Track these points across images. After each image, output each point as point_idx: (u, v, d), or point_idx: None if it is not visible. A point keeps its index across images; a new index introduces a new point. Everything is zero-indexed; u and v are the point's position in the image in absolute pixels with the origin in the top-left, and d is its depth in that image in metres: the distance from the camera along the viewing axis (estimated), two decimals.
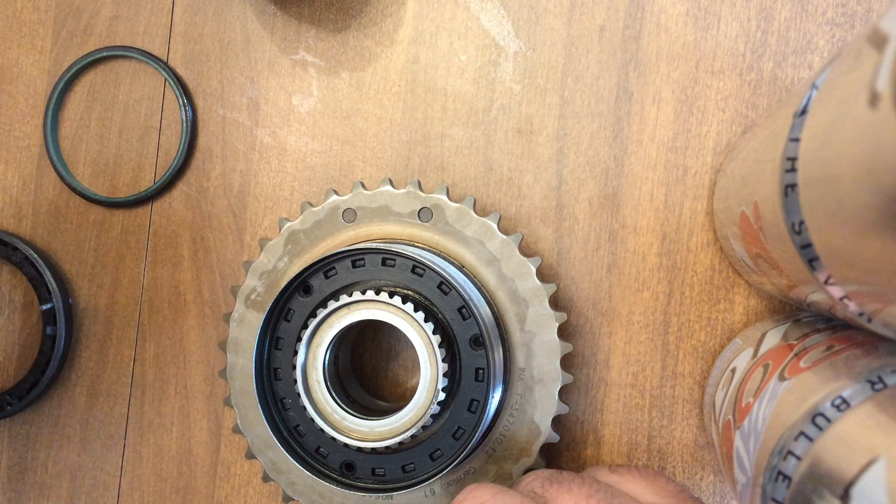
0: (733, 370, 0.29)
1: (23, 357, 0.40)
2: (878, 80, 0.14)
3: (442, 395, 0.28)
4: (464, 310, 0.29)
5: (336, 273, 0.30)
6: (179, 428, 0.38)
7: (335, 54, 0.37)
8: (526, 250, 0.34)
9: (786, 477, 0.20)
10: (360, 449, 0.29)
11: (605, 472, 0.25)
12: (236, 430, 0.33)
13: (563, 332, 0.32)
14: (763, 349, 0.28)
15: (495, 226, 0.31)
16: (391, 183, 0.32)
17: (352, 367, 0.36)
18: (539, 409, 0.30)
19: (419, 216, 0.31)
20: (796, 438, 0.20)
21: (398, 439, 0.28)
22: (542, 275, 0.32)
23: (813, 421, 0.20)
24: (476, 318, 0.28)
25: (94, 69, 0.39)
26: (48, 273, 0.38)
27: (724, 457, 0.27)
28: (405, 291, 0.30)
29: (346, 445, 0.29)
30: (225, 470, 0.37)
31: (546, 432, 0.30)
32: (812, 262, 0.21)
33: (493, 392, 0.29)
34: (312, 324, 0.29)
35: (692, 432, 0.34)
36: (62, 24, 0.39)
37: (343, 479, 0.30)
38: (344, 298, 0.29)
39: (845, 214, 0.17)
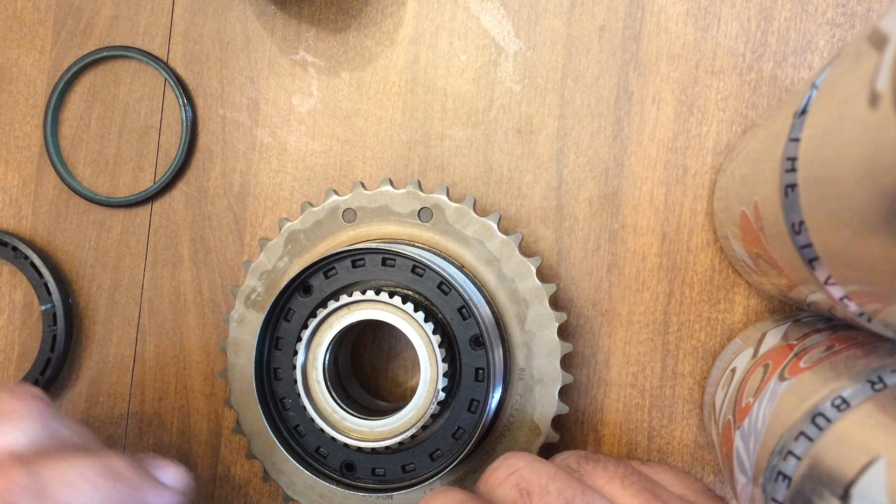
0: (733, 370, 0.29)
1: (23, 357, 0.40)
2: (878, 80, 0.14)
3: (442, 395, 0.28)
4: (464, 310, 0.29)
5: (336, 273, 0.30)
6: (179, 428, 0.38)
7: (335, 54, 0.37)
8: (526, 250, 0.34)
9: (786, 477, 0.20)
10: (360, 449, 0.29)
11: (636, 463, 0.25)
12: (236, 430, 0.33)
13: (563, 332, 0.32)
14: (763, 349, 0.28)
15: (495, 226, 0.31)
16: (391, 183, 0.32)
17: (352, 367, 0.36)
18: (539, 409, 0.31)
19: (419, 216, 0.31)
20: (796, 438, 0.20)
21: (398, 439, 0.28)
22: (542, 275, 0.32)
23: (813, 421, 0.20)
24: (476, 318, 0.28)
25: (94, 69, 0.39)
26: (48, 273, 0.38)
27: (724, 457, 0.27)
28: (405, 291, 0.30)
29: (346, 445, 0.29)
30: (225, 470, 0.37)
31: (546, 432, 0.30)
32: (812, 262, 0.21)
33: (493, 392, 0.29)
34: (312, 324, 0.29)
35: (692, 432, 0.34)
36: (62, 24, 0.39)
37: (343, 479, 0.30)
38: (344, 298, 0.29)
39: (845, 214, 0.17)
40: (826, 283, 0.21)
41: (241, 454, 0.37)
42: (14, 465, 0.24)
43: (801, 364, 0.24)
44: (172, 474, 0.29)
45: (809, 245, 0.20)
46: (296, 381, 0.29)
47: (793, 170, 0.20)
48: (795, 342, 0.27)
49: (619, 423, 0.34)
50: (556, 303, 0.33)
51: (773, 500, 0.20)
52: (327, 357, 0.30)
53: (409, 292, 0.30)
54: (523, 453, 0.23)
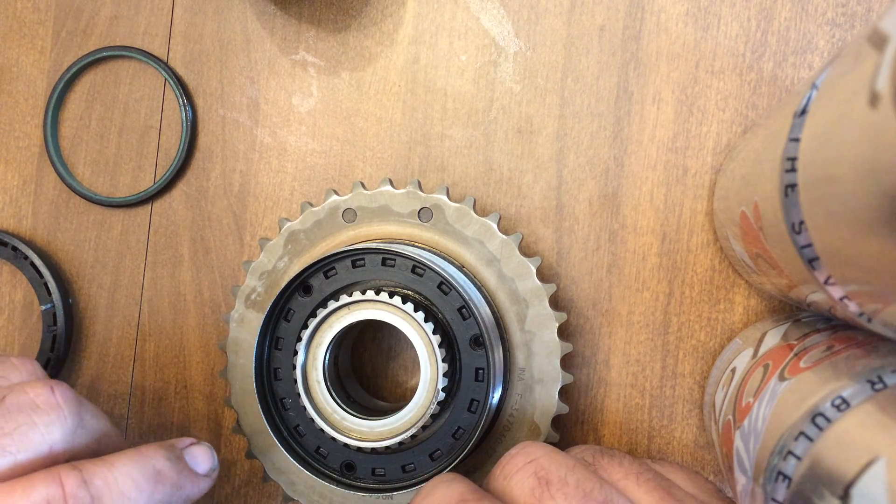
0: (733, 370, 0.29)
1: None
2: (878, 80, 0.14)
3: (442, 395, 0.28)
4: (464, 310, 0.29)
5: (336, 273, 0.30)
6: (179, 428, 0.38)
7: (335, 54, 0.37)
8: (526, 250, 0.34)
9: (786, 477, 0.20)
10: (360, 449, 0.29)
11: (649, 462, 0.25)
12: (236, 430, 0.33)
13: (563, 332, 0.32)
14: (763, 349, 0.28)
15: (495, 226, 0.31)
16: (391, 183, 0.32)
17: (352, 367, 0.36)
18: (539, 409, 0.31)
19: (419, 216, 0.31)
20: (796, 438, 0.20)
21: (398, 439, 0.28)
22: (542, 275, 0.32)
23: (813, 421, 0.20)
24: (476, 318, 0.28)
25: (94, 69, 0.39)
26: (48, 273, 0.38)
27: (724, 457, 0.27)
28: (405, 291, 0.30)
29: (346, 445, 0.29)
30: (225, 470, 0.37)
31: (546, 432, 0.30)
32: (812, 262, 0.21)
33: (493, 392, 0.29)
34: (312, 324, 0.29)
35: (692, 432, 0.34)
36: (62, 24, 0.39)
37: (343, 479, 0.30)
38: (344, 298, 0.29)
39: (845, 214, 0.17)
40: (826, 283, 0.21)
41: (241, 454, 0.37)
42: (67, 474, 0.24)
43: (801, 364, 0.24)
44: (204, 460, 0.29)
45: (809, 245, 0.20)
46: (296, 381, 0.29)
47: (793, 170, 0.20)
48: (795, 342, 0.27)
49: (619, 423, 0.34)
50: (556, 303, 0.33)
51: (773, 500, 0.20)
52: (327, 357, 0.30)
53: (409, 292, 0.30)
54: (541, 443, 0.23)
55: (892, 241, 0.15)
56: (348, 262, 0.30)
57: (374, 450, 0.29)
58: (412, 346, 0.29)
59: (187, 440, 0.30)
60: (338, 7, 0.37)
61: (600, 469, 0.23)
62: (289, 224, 0.32)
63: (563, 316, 0.31)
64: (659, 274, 0.34)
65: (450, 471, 0.29)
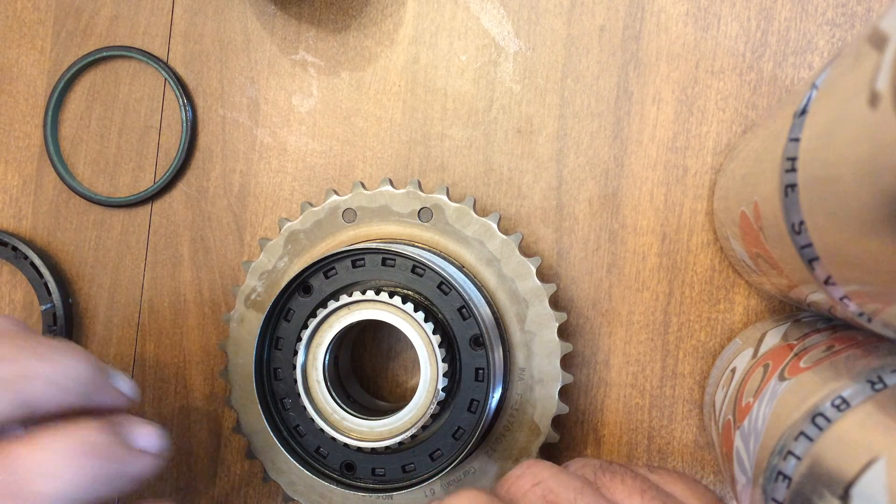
0: (733, 370, 0.29)
1: None
2: (878, 80, 0.14)
3: (442, 395, 0.28)
4: (464, 310, 0.29)
5: (336, 273, 0.30)
6: (179, 428, 0.38)
7: (335, 54, 0.37)
8: (526, 250, 0.34)
9: (786, 477, 0.20)
10: (360, 449, 0.29)
11: (644, 470, 0.25)
12: (236, 430, 0.33)
13: (563, 332, 0.32)
14: (763, 349, 0.28)
15: (495, 226, 0.31)
16: (391, 183, 0.32)
17: (352, 367, 0.36)
18: (539, 409, 0.30)
19: (419, 216, 0.31)
20: (796, 438, 0.20)
21: (398, 439, 0.28)
22: (542, 275, 0.32)
23: (813, 421, 0.20)
24: (476, 318, 0.28)
25: (94, 69, 0.39)
26: (48, 273, 0.38)
27: (724, 457, 0.27)
28: (405, 291, 0.30)
29: (346, 445, 0.29)
30: (225, 470, 0.37)
31: (546, 432, 0.30)
32: (812, 262, 0.21)
33: (493, 392, 0.29)
34: (312, 324, 0.29)
35: (692, 432, 0.34)
36: (62, 24, 0.39)
37: (343, 479, 0.30)
38: (344, 298, 0.29)
39: (845, 214, 0.17)
40: (826, 283, 0.21)
41: (241, 454, 0.37)
42: None
43: (801, 364, 0.24)
44: (147, 437, 0.26)
45: (809, 245, 0.20)
46: (296, 381, 0.29)
47: (793, 170, 0.20)
48: (795, 342, 0.27)
49: (619, 423, 0.34)
50: (556, 303, 0.33)
51: (773, 500, 0.20)
52: (327, 357, 0.30)
53: (409, 292, 0.30)
54: (545, 462, 0.23)
55: (892, 241, 0.15)
56: (348, 262, 0.30)
57: (374, 450, 0.29)
58: (412, 346, 0.29)
59: (129, 416, 0.27)
60: (338, 7, 0.37)
61: (602, 488, 0.23)
62: (289, 224, 0.32)
63: (563, 316, 0.31)
64: (659, 274, 0.34)
65: (450, 471, 0.29)
